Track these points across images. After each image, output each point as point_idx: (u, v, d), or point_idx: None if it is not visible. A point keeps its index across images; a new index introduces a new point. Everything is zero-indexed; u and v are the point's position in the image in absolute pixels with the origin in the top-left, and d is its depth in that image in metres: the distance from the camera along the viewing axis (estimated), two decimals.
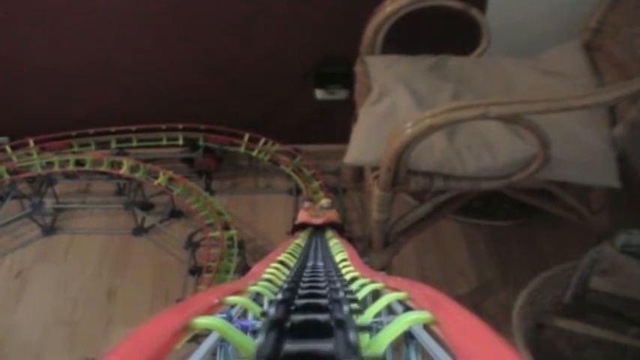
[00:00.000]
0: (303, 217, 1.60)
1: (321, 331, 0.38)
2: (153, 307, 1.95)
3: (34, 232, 2.24)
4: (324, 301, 0.44)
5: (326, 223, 1.56)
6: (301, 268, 0.78)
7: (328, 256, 0.93)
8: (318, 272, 0.73)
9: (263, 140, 2.32)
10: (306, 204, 1.80)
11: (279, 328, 0.39)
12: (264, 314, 0.45)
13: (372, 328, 0.37)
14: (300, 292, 0.50)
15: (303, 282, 0.60)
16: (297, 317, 0.39)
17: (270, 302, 0.48)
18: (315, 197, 2.10)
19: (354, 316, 0.42)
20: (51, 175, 2.30)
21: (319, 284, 0.57)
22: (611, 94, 1.42)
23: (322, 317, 0.40)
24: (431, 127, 1.36)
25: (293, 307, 0.43)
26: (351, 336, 0.36)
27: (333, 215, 1.63)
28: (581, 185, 1.61)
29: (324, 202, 1.78)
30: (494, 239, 2.14)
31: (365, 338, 0.43)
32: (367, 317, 0.45)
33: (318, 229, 1.54)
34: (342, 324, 0.39)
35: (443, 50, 1.88)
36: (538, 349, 1.56)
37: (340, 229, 1.58)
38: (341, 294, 0.45)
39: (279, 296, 0.44)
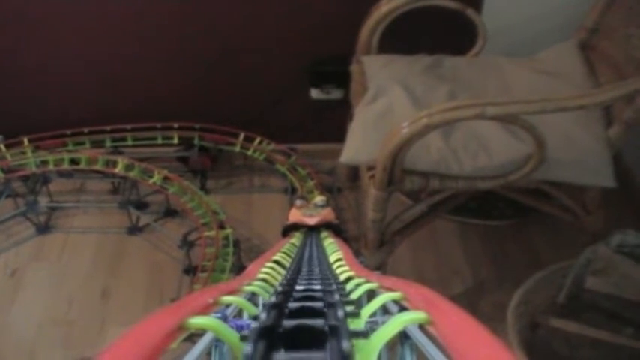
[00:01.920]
0: (295, 216, 1.43)
1: (315, 336, 0.38)
2: (147, 306, 1.94)
3: (28, 230, 2.24)
4: (318, 304, 0.44)
5: (321, 223, 1.39)
6: (296, 268, 0.78)
7: (323, 256, 0.92)
8: (313, 272, 0.72)
9: (258, 139, 2.32)
10: (299, 202, 1.56)
11: (269, 335, 0.38)
12: (255, 318, 0.45)
13: (367, 334, 0.37)
14: (295, 294, 0.50)
15: (298, 283, 0.60)
16: (290, 322, 0.38)
17: (263, 305, 0.48)
18: (309, 196, 2.09)
19: (349, 320, 0.42)
20: (45, 174, 2.30)
21: (314, 286, 0.57)
22: (607, 94, 1.42)
23: (316, 322, 0.40)
24: (427, 126, 1.36)
25: (287, 310, 0.43)
26: (345, 344, 0.36)
27: (328, 215, 1.44)
28: (576, 185, 1.61)
29: (319, 199, 1.55)
30: (489, 239, 2.14)
31: (359, 341, 0.43)
32: (362, 319, 0.45)
33: (313, 230, 1.38)
34: (335, 330, 0.38)
35: (439, 50, 1.88)
36: (533, 349, 1.56)
37: (337, 230, 1.40)
38: (336, 297, 0.45)
39: (272, 299, 0.44)
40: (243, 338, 0.38)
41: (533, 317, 1.62)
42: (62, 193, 2.38)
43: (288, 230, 1.39)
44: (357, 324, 0.44)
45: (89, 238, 2.21)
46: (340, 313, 0.38)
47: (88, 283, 2.04)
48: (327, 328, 0.37)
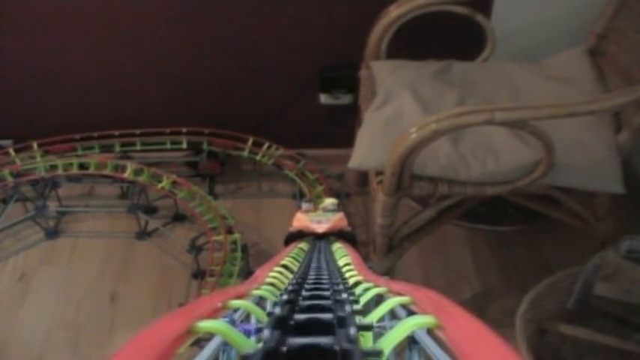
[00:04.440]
0: (301, 222, 1.22)
1: (323, 350, 0.38)
2: (156, 310, 1.94)
3: (37, 235, 2.25)
4: (328, 316, 0.44)
5: (331, 231, 1.18)
6: (304, 272, 0.77)
7: (332, 261, 0.91)
8: (322, 278, 0.72)
9: (267, 144, 2.32)
10: (305, 205, 1.32)
11: (283, 325, 0.38)
12: (269, 314, 0.45)
13: (380, 354, 0.36)
14: (303, 303, 0.50)
15: (306, 289, 0.60)
16: (298, 341, 0.38)
17: (275, 303, 0.48)
18: (317, 201, 2.06)
19: (360, 334, 0.42)
20: (54, 178, 2.30)
21: (323, 292, 0.56)
22: (616, 99, 1.42)
23: (325, 316, 0.40)
24: (436, 132, 1.36)
25: (293, 322, 0.43)
26: (352, 330, 0.36)
27: (340, 221, 1.22)
28: (585, 191, 1.61)
29: (329, 202, 1.30)
30: (497, 244, 2.13)
31: (368, 340, 0.43)
32: (370, 319, 0.45)
33: (322, 238, 1.18)
34: (343, 321, 0.39)
35: (448, 55, 1.88)
36: (541, 355, 1.56)
37: (350, 238, 1.18)
38: (347, 308, 0.45)
39: (285, 297, 0.43)
40: (258, 330, 0.38)
41: (542, 323, 1.62)
42: (71, 198, 2.39)
43: (293, 238, 1.18)
44: (367, 337, 0.44)
45: (98, 243, 2.21)
46: (352, 331, 0.38)
47: (96, 288, 2.05)
48: (335, 322, 0.37)
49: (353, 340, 0.36)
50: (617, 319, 1.55)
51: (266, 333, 0.38)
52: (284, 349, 0.35)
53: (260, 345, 0.37)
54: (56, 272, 2.11)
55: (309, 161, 2.34)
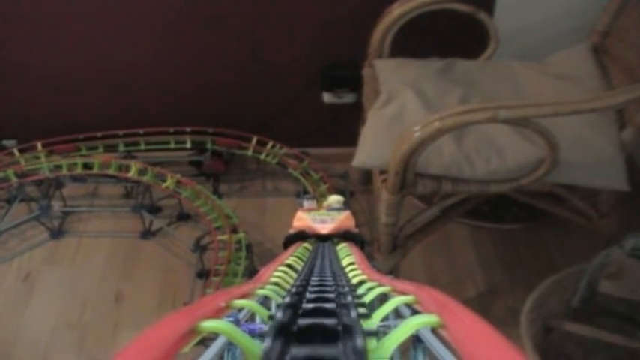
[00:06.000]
0: (302, 222, 1.10)
1: (328, 336, 0.38)
2: (160, 310, 1.95)
3: (42, 235, 2.25)
4: (331, 305, 0.44)
5: (337, 232, 1.06)
6: (309, 271, 0.77)
7: (335, 260, 0.90)
8: (326, 276, 0.72)
9: (271, 143, 2.32)
10: (307, 203, 1.17)
11: (285, 332, 0.38)
12: (270, 317, 0.45)
13: (378, 333, 0.36)
14: (308, 295, 0.50)
15: (311, 286, 0.60)
16: (304, 321, 0.38)
17: (278, 305, 0.48)
18: (321, 199, 2.02)
19: (362, 321, 0.42)
20: (59, 178, 2.31)
21: (327, 288, 0.56)
22: (620, 97, 1.41)
23: (329, 322, 0.40)
24: (439, 130, 1.36)
25: (300, 311, 0.42)
26: (359, 341, 0.36)
27: (346, 221, 1.08)
28: (589, 188, 1.60)
29: (334, 200, 1.16)
30: (502, 243, 2.13)
31: (372, 342, 0.43)
32: (374, 321, 0.45)
33: (326, 240, 1.07)
34: (349, 329, 0.38)
35: (451, 54, 1.87)
36: (546, 353, 1.56)
37: (359, 241, 1.03)
38: (349, 298, 0.45)
39: (287, 299, 0.43)
40: (260, 336, 0.38)
41: (547, 321, 1.61)
42: (75, 198, 2.39)
43: (293, 241, 1.08)
44: (368, 325, 0.43)
45: (102, 242, 2.22)
46: (353, 313, 0.38)
47: (101, 287, 2.05)
48: (340, 328, 0.37)
49: (354, 320, 0.36)
50: (622, 317, 1.55)
51: (279, 314, 0.38)
52: (294, 328, 0.36)
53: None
54: (61, 272, 2.11)
55: (312, 160, 2.34)
